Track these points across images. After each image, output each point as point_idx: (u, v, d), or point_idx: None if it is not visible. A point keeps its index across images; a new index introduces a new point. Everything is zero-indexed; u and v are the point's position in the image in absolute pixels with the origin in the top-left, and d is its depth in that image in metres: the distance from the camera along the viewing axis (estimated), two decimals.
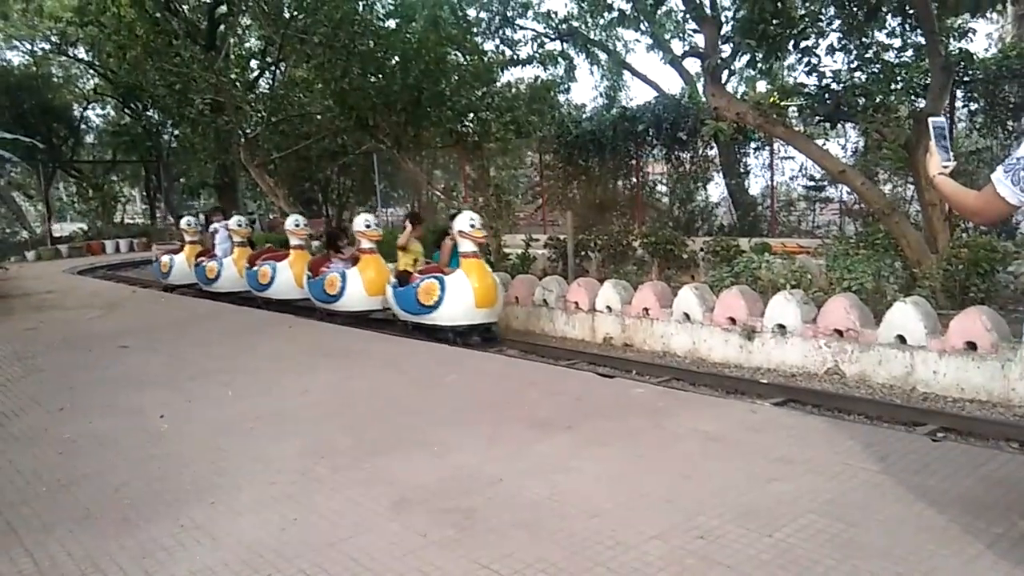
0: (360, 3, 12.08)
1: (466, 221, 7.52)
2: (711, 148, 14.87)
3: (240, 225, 11.33)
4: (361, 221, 8.96)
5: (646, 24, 14.51)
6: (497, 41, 16.64)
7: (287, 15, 12.33)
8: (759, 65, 8.59)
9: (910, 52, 9.28)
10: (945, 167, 2.65)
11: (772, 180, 14.16)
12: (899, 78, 9.91)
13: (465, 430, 4.28)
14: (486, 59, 13.41)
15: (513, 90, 14.81)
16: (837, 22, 8.92)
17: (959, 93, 11.62)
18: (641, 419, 4.35)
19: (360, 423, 4.55)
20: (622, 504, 3.22)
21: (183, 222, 13.01)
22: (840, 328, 5.92)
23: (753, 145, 14.38)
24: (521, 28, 17.01)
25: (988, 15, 8.76)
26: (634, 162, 15.99)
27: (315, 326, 8.36)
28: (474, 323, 7.63)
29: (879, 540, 2.79)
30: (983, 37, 20.44)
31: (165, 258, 12.98)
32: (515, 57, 14.54)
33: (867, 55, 9.66)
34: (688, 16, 8.27)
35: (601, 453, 3.84)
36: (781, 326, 6.28)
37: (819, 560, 2.67)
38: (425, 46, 10.87)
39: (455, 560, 2.80)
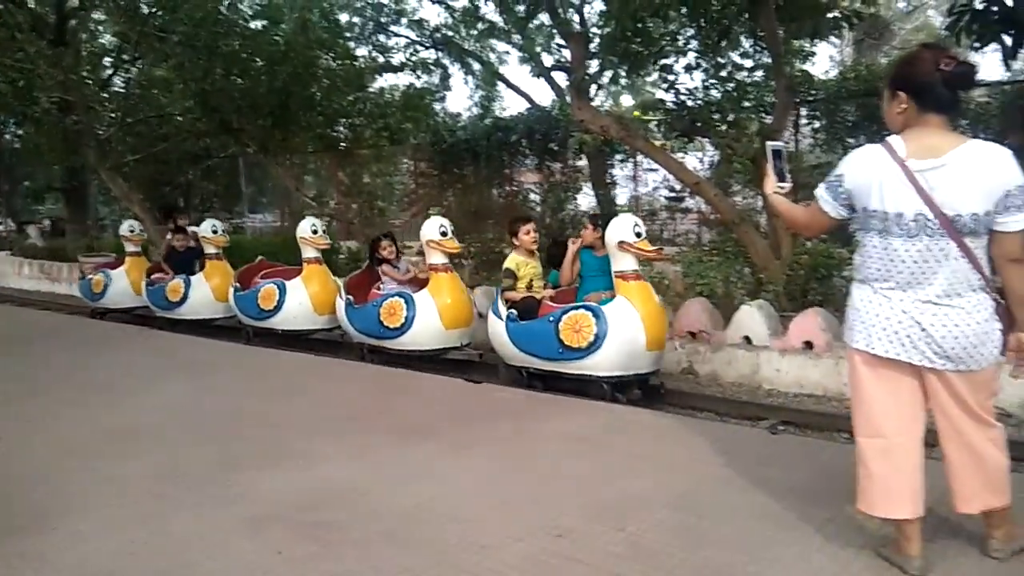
0: (224, 2, 11.65)
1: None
2: (580, 159, 15.35)
3: (215, 231, 8.51)
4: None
5: (518, 36, 14.82)
6: (370, 47, 16.49)
7: (144, 11, 11.70)
8: (622, 81, 9.00)
9: (760, 73, 9.97)
10: (781, 187, 2.89)
11: (636, 191, 14.81)
12: (750, 96, 10.65)
13: (331, 441, 4.22)
14: (358, 64, 13.25)
15: (387, 96, 14.70)
16: (695, 42, 9.47)
17: (803, 111, 12.62)
18: (508, 423, 4.44)
19: (220, 437, 4.38)
20: (487, 508, 3.28)
21: (124, 227, 10.08)
22: (693, 330, 6.27)
23: (619, 157, 14.96)
24: (395, 35, 16.93)
25: (829, 39, 9.52)
26: (507, 171, 16.25)
27: (175, 338, 7.95)
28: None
29: (724, 529, 2.99)
30: (826, 59, 22.28)
31: (99, 275, 9.85)
32: (387, 63, 14.46)
33: (721, 74, 10.29)
34: (556, 31, 8.52)
35: (468, 458, 3.89)
36: None
37: (668, 551, 2.82)
38: (293, 49, 10.61)
39: None
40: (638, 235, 5.14)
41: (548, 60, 16.15)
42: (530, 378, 5.70)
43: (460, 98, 33.72)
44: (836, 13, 7.52)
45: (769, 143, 2.99)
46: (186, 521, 3.25)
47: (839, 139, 12.21)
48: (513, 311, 5.66)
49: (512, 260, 5.90)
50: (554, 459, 3.85)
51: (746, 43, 10.03)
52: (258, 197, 20.58)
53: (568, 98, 14.43)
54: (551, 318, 5.38)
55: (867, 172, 2.48)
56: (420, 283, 6.58)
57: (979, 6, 6.00)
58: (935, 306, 2.44)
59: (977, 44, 6.06)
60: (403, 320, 6.24)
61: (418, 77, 14.82)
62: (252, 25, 11.86)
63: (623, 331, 5.09)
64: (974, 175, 2.34)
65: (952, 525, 2.77)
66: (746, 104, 10.72)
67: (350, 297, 6.88)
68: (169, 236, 9.33)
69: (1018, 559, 2.59)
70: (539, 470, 3.70)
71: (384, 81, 15.81)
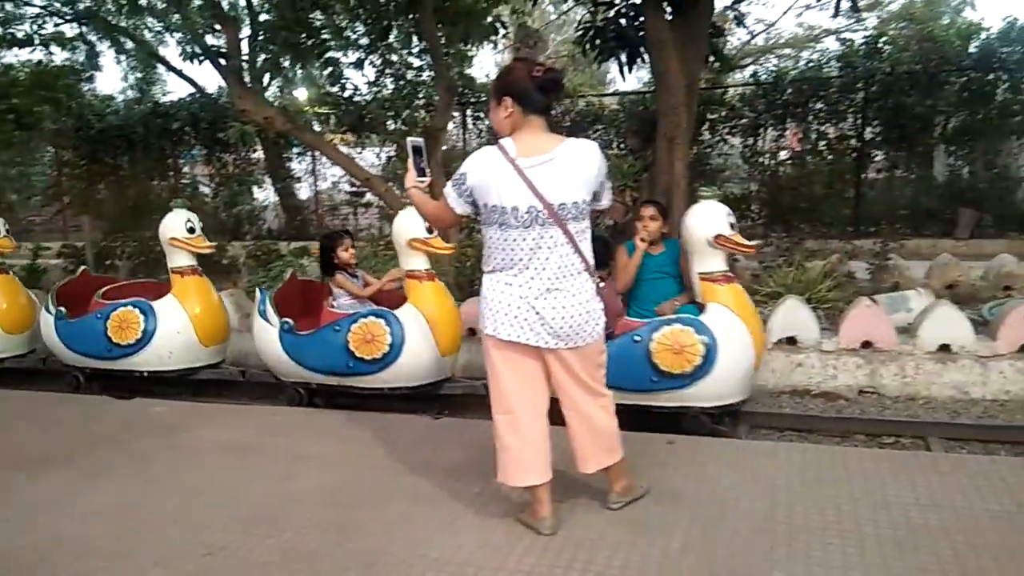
0: None
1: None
2: (255, 151, 14.63)
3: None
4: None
5: (177, 17, 13.59)
6: None
7: None
8: (290, 72, 8.71)
9: (428, 72, 10.33)
10: (420, 182, 3.04)
11: (316, 185, 14.54)
12: (420, 95, 11.02)
13: None
14: None
15: (13, 74, 12.59)
16: (366, 39, 9.52)
17: (469, 112, 13.41)
18: (155, 439, 4.06)
19: None
20: (128, 535, 2.96)
21: None
22: None
23: (296, 150, 14.54)
24: (28, 4, 14.49)
25: (485, 44, 10.19)
26: (171, 161, 14.91)
27: None
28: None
29: (376, 517, 3.04)
30: (492, 64, 23.84)
31: None
32: (10, 36, 12.33)
33: (389, 71, 10.48)
34: (210, 14, 7.96)
35: (105, 484, 3.48)
36: None
37: (319, 551, 2.80)
38: None
39: None
40: (731, 226, 4.08)
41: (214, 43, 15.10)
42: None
43: (116, 80, 30.09)
44: (489, 20, 8.07)
45: (409, 139, 3.11)
46: None
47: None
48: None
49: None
50: (207, 472, 3.61)
51: (418, 42, 10.32)
52: None
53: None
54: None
55: (485, 171, 2.72)
56: (384, 298, 4.96)
57: (600, 25, 6.83)
58: (547, 292, 2.72)
59: (600, 59, 6.91)
60: (387, 348, 4.62)
61: (50, 54, 12.85)
62: None
63: (733, 350, 4.02)
64: (575, 168, 2.69)
65: (581, 484, 3.12)
66: (417, 102, 11.10)
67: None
68: None
69: (631, 508, 3.01)
70: (188, 486, 3.44)
71: (15, 57, 13.49)
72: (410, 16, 8.31)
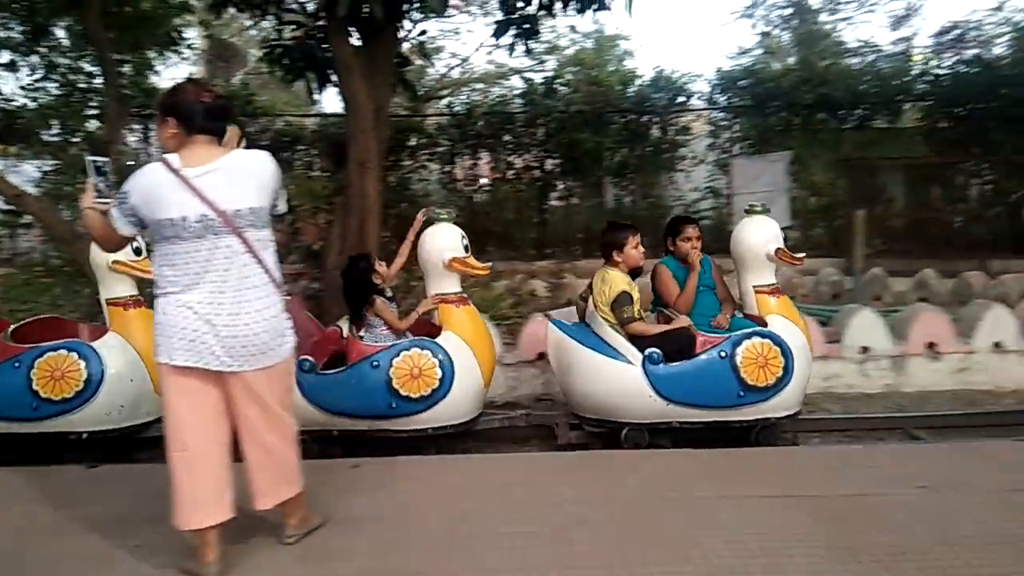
0: None
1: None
2: None
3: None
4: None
5: None
6: None
7: None
8: None
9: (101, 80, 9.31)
10: (99, 203, 2.76)
11: None
12: (92, 104, 9.86)
13: None
14: None
15: None
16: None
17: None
18: None
19: None
20: None
21: None
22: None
23: None
24: None
25: (170, 54, 9.48)
26: None
27: None
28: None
29: None
30: (184, 76, 22.17)
31: None
32: None
33: (53, 76, 9.27)
34: None
35: None
36: None
37: None
38: None
39: None
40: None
41: None
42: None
43: None
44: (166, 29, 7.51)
45: (90, 158, 2.87)
46: None
47: None
48: (308, 360, 4.09)
49: (622, 280, 4.16)
50: None
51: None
52: None
53: None
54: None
55: (149, 186, 2.57)
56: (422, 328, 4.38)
57: (288, 44, 6.70)
58: (227, 306, 2.57)
59: (289, 79, 6.76)
60: (436, 383, 4.04)
61: None
62: None
63: (804, 363, 4.16)
64: (245, 173, 2.64)
65: (258, 519, 2.94)
66: (89, 112, 9.92)
67: (308, 361, 4.10)
68: None
69: (310, 539, 2.91)
70: None
71: None
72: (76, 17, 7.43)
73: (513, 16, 6.46)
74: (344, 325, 4.45)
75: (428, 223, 4.38)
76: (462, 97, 16.89)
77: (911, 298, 8.65)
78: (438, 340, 4.17)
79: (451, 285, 4.30)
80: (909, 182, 12.77)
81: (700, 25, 42.96)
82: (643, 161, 13.27)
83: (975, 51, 14.75)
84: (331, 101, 18.29)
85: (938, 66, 13.22)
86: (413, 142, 13.37)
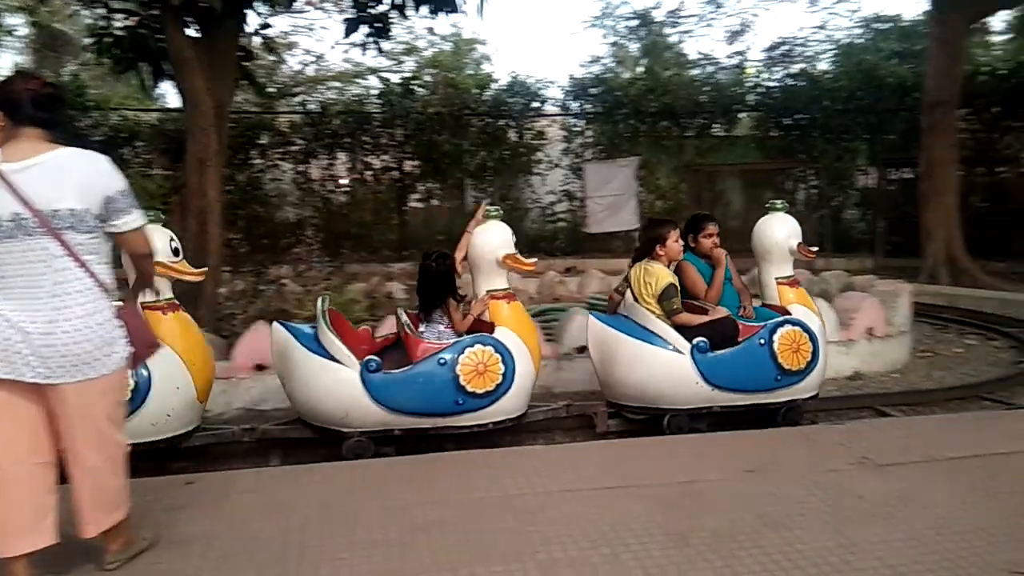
0: None
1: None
2: None
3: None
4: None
5: None
6: None
7: None
8: None
9: None
10: None
11: None
12: None
13: None
14: None
15: None
16: None
17: None
18: None
19: None
20: None
21: None
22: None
23: None
24: None
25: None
26: None
27: None
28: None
29: None
30: (9, 65, 20.22)
31: None
32: None
33: None
34: None
35: None
36: None
37: None
38: None
39: None
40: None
41: None
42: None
43: None
44: None
45: None
46: None
47: None
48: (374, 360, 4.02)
49: (667, 273, 4.39)
50: None
51: None
52: None
53: None
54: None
55: None
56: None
57: (119, 34, 6.24)
58: (43, 313, 2.37)
59: (119, 70, 6.31)
60: (500, 378, 4.09)
61: None
62: None
63: (825, 348, 4.59)
64: (69, 173, 2.43)
65: (80, 543, 2.69)
66: None
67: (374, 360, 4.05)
68: None
69: (136, 563, 2.71)
70: None
71: None
72: None
73: (364, 14, 6.34)
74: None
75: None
76: (317, 95, 16.49)
77: None
78: (496, 336, 4.19)
79: (501, 282, 4.32)
80: (745, 187, 13.72)
81: (555, 33, 44.24)
82: (501, 164, 13.48)
83: (801, 66, 16.04)
84: (175, 95, 17.25)
85: (769, 79, 14.26)
86: (264, 140, 12.89)
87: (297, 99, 15.43)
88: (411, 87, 13.34)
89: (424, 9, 6.36)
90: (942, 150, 10.41)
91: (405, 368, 4.10)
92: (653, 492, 3.28)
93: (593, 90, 13.68)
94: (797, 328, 4.43)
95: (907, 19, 14.69)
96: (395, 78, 15.21)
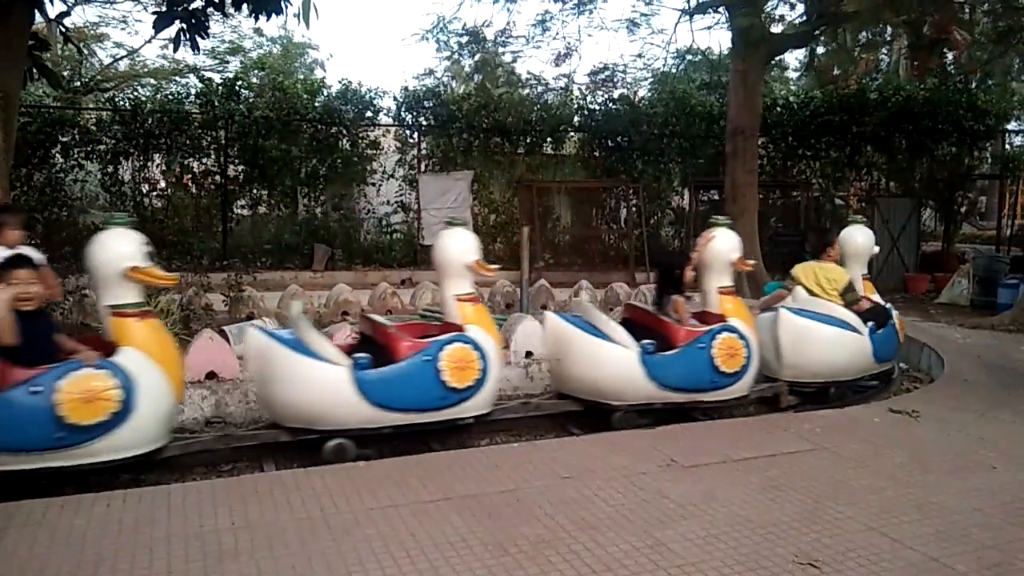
0: None
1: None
2: None
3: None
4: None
5: None
6: None
7: None
8: None
9: None
10: None
11: None
12: None
13: None
14: None
15: None
16: None
17: None
18: None
19: None
20: None
21: None
22: None
23: None
24: None
25: None
26: None
27: None
28: None
29: None
30: None
31: None
32: None
33: None
34: None
35: None
36: None
37: None
38: None
39: None
40: None
41: None
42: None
43: None
44: None
45: None
46: None
47: None
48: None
49: (843, 271, 5.69)
50: None
51: None
52: None
53: None
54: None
55: None
56: None
57: None
58: None
59: None
60: (744, 360, 5.03)
61: None
62: None
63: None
64: None
65: None
66: None
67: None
68: None
69: None
70: None
71: None
72: None
73: (176, 9, 5.94)
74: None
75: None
76: (131, 92, 15.28)
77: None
78: (732, 325, 5.02)
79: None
80: (572, 203, 14.26)
81: (389, 43, 43.98)
82: (334, 172, 13.11)
83: (622, 91, 16.98)
84: None
85: (592, 102, 14.95)
86: (67, 138, 11.75)
87: (107, 95, 14.21)
88: (236, 88, 12.68)
89: (245, 9, 6.06)
90: (744, 174, 11.36)
91: (674, 351, 4.89)
92: (475, 503, 3.30)
93: (427, 103, 13.68)
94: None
95: (715, 53, 15.94)
96: (219, 78, 14.41)
